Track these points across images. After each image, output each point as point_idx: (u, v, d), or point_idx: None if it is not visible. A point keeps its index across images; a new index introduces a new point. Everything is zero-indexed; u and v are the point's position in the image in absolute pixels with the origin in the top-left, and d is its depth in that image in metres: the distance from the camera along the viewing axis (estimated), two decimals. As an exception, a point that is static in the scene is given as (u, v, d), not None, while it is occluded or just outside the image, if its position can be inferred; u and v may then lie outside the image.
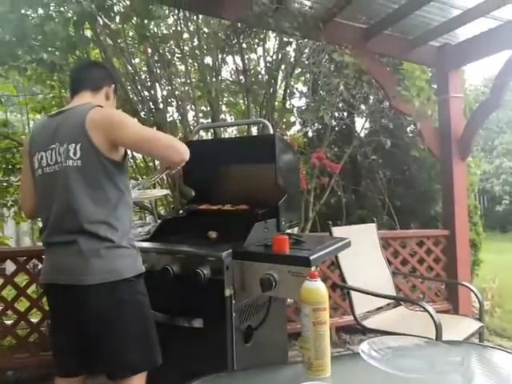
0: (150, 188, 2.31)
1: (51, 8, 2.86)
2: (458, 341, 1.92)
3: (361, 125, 5.03)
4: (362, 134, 4.94)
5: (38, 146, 1.58)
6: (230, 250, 1.74)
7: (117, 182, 1.54)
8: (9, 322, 2.86)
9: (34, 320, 2.86)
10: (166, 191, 1.99)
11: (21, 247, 5.78)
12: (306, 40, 3.35)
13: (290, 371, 1.18)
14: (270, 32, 3.76)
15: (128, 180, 1.67)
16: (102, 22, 3.15)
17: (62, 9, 2.85)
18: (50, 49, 2.87)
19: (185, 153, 1.57)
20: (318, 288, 1.07)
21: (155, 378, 1.60)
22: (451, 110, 3.87)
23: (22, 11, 2.77)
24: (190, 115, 3.77)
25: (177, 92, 3.61)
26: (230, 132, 4.90)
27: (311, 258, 1.61)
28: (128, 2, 3.17)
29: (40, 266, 2.87)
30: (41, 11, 2.87)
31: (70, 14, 2.81)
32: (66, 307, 1.52)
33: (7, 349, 2.87)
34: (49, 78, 3.75)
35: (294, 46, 3.69)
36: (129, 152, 1.75)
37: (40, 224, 4.55)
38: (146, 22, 3.18)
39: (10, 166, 4.21)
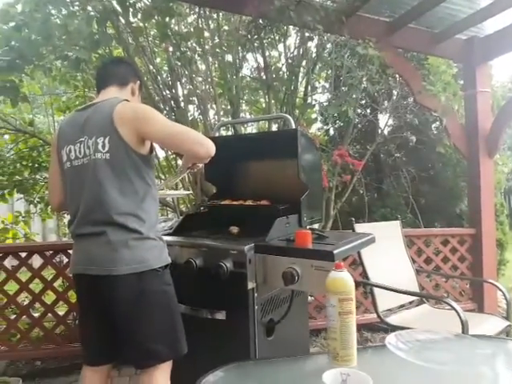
0: (173, 188, 2.33)
1: (75, 7, 2.93)
2: (486, 335, 1.87)
3: (384, 121, 4.95)
4: (386, 131, 4.87)
5: (67, 140, 1.61)
6: (253, 244, 1.74)
7: (144, 176, 1.56)
8: (36, 315, 2.93)
9: (61, 312, 2.92)
10: (188, 192, 2.02)
11: (48, 241, 5.92)
12: (327, 35, 3.32)
13: (315, 361, 1.17)
14: (291, 28, 3.75)
15: (154, 175, 1.69)
16: (123, 21, 3.20)
17: (85, 7, 2.90)
18: (73, 47, 2.93)
19: (211, 148, 1.58)
20: (344, 278, 1.06)
21: (179, 368, 1.61)
22: (478, 106, 3.76)
23: (47, 10, 2.84)
24: (211, 113, 3.79)
25: (198, 90, 3.63)
26: (250, 130, 4.92)
27: (335, 252, 1.59)
28: (147, 1, 3.21)
29: (66, 260, 2.94)
30: (64, 11, 2.94)
31: (92, 13, 2.86)
32: (95, 297, 1.55)
33: (35, 340, 2.94)
34: (72, 78, 3.84)
35: (315, 41, 3.66)
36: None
37: (65, 220, 4.67)
38: (167, 20, 3.21)
39: (36, 165, 4.31)
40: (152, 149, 1.63)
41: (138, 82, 1.79)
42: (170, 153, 3.75)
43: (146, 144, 1.57)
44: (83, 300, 1.66)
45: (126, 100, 1.60)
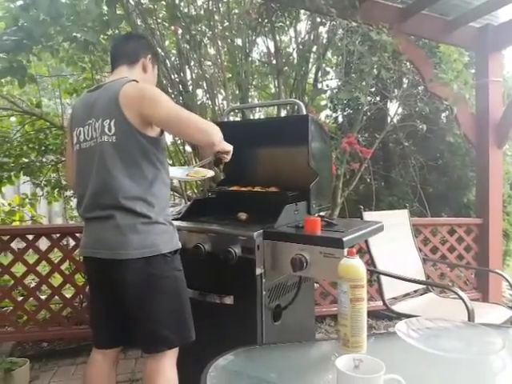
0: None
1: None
2: (495, 324, 1.87)
3: (394, 110, 4.90)
4: (395, 120, 4.82)
5: (77, 122, 1.60)
6: (261, 230, 1.74)
7: (153, 159, 1.53)
8: (43, 297, 2.96)
9: (68, 295, 2.95)
10: (212, 172, 1.99)
11: (55, 224, 5.94)
12: (339, 20, 3.26)
13: (326, 347, 1.17)
14: (302, 13, 3.68)
15: (165, 157, 1.65)
16: (133, 2, 3.15)
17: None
18: (81, 28, 2.89)
19: (214, 136, 1.54)
20: (356, 265, 1.06)
21: (186, 352, 1.62)
22: (490, 95, 3.72)
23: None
24: (220, 98, 3.76)
25: (206, 74, 3.59)
26: (258, 115, 4.87)
27: (344, 239, 1.59)
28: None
29: (73, 243, 2.95)
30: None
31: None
32: (104, 280, 1.55)
33: (42, 321, 2.97)
34: (80, 59, 3.80)
35: (327, 26, 3.60)
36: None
37: (72, 203, 4.65)
38: (177, 1, 3.16)
39: (43, 147, 4.29)
40: (162, 130, 1.59)
41: (149, 55, 1.72)
42: (177, 138, 3.73)
43: (154, 126, 1.54)
44: (92, 283, 1.67)
45: (135, 80, 1.55)
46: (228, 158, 1.76)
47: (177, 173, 2.07)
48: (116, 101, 1.47)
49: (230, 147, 1.71)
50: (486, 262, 3.75)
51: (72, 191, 4.11)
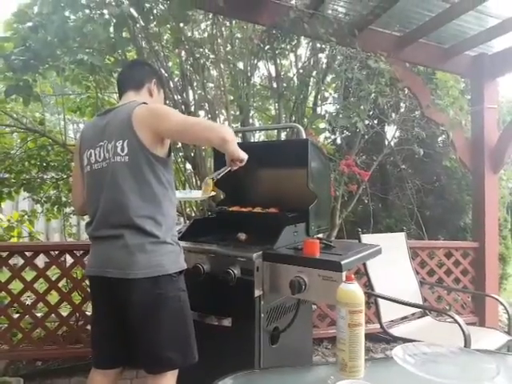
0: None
1: (92, 11, 2.97)
2: (491, 350, 1.88)
3: (391, 133, 4.98)
4: (392, 143, 4.90)
5: (87, 144, 1.64)
6: (261, 252, 1.76)
7: (162, 179, 1.58)
8: (39, 315, 2.93)
9: (64, 313, 2.93)
10: (213, 193, 2.01)
11: (53, 242, 5.92)
12: (338, 47, 3.36)
13: (324, 371, 1.18)
14: (302, 38, 3.79)
15: (172, 177, 1.70)
16: (138, 25, 3.24)
17: (101, 11, 2.94)
18: (87, 50, 2.97)
19: (223, 132, 1.57)
20: (354, 290, 1.07)
21: (183, 373, 1.62)
22: (485, 121, 3.80)
23: (64, 13, 2.88)
24: (221, 119, 3.82)
25: (208, 96, 3.66)
26: (258, 137, 4.94)
27: (342, 262, 1.61)
28: (162, 7, 3.25)
29: (70, 260, 2.95)
30: (80, 14, 2.98)
31: (107, 16, 2.89)
32: (110, 299, 1.56)
33: (37, 340, 2.94)
34: (85, 78, 3.88)
35: (326, 52, 3.70)
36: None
37: (71, 220, 4.64)
38: (181, 25, 3.25)
39: (44, 164, 4.33)
40: (170, 151, 1.65)
41: (154, 79, 1.79)
42: (178, 156, 3.78)
43: (164, 146, 1.59)
44: (98, 302, 1.67)
45: (144, 103, 1.62)
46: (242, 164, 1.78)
47: (179, 195, 2.11)
48: (128, 122, 1.53)
49: (245, 155, 1.73)
50: (483, 285, 3.76)
51: (72, 208, 4.12)
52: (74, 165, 1.78)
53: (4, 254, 2.81)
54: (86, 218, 1.69)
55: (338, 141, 5.13)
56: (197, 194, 2.13)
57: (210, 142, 1.64)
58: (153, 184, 1.54)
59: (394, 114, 4.54)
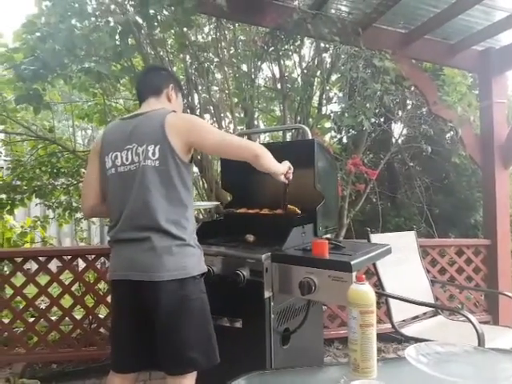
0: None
1: (98, 19, 3.00)
2: (506, 349, 1.86)
3: (398, 131, 4.96)
4: (400, 141, 4.87)
5: (112, 146, 1.64)
6: (270, 253, 1.76)
7: (187, 184, 1.61)
8: (53, 318, 2.98)
9: (78, 316, 2.97)
10: (216, 202, 2.05)
11: (66, 246, 5.97)
12: (342, 46, 3.36)
13: (336, 372, 1.18)
14: (306, 38, 3.79)
15: (192, 183, 1.73)
16: (143, 32, 3.27)
17: (107, 19, 2.98)
18: (94, 58, 3.00)
19: (254, 149, 1.64)
20: (366, 291, 1.07)
21: (197, 375, 1.63)
22: (494, 117, 3.75)
23: (72, 22, 2.92)
24: (226, 121, 3.84)
25: (213, 99, 3.68)
26: (263, 139, 4.95)
27: (352, 262, 1.61)
28: (166, 12, 3.27)
29: (83, 264, 2.98)
30: (86, 22, 3.02)
31: (112, 24, 2.92)
32: (135, 303, 1.56)
33: (52, 343, 2.98)
34: (91, 86, 3.93)
35: (330, 51, 3.69)
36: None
37: (82, 225, 4.70)
38: (185, 30, 3.27)
39: (55, 170, 4.39)
40: (192, 157, 1.68)
41: (171, 84, 1.80)
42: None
43: (190, 152, 1.63)
44: (121, 306, 1.65)
45: (174, 111, 1.65)
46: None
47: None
48: (161, 128, 1.56)
49: (285, 165, 1.85)
50: (496, 283, 3.71)
51: (82, 213, 4.17)
52: (89, 166, 1.76)
53: (18, 260, 2.86)
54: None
55: (344, 140, 5.11)
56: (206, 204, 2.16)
57: (245, 160, 1.67)
58: (179, 188, 1.57)
59: (400, 112, 4.51)
